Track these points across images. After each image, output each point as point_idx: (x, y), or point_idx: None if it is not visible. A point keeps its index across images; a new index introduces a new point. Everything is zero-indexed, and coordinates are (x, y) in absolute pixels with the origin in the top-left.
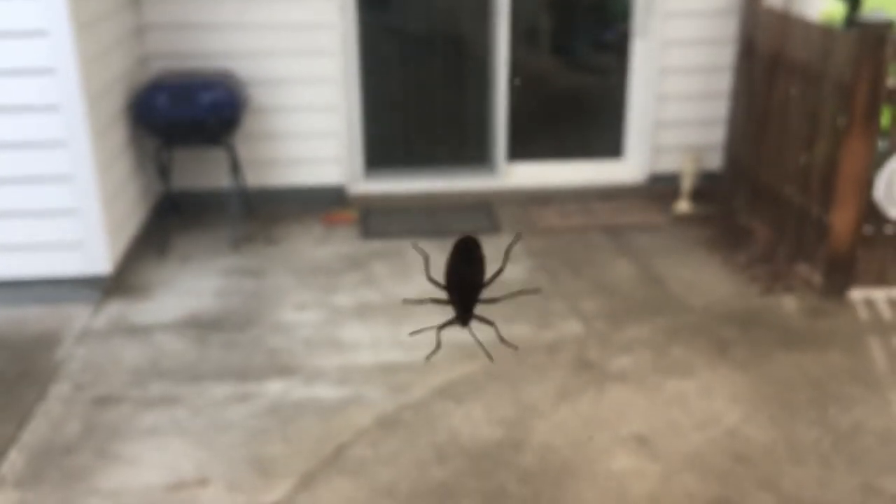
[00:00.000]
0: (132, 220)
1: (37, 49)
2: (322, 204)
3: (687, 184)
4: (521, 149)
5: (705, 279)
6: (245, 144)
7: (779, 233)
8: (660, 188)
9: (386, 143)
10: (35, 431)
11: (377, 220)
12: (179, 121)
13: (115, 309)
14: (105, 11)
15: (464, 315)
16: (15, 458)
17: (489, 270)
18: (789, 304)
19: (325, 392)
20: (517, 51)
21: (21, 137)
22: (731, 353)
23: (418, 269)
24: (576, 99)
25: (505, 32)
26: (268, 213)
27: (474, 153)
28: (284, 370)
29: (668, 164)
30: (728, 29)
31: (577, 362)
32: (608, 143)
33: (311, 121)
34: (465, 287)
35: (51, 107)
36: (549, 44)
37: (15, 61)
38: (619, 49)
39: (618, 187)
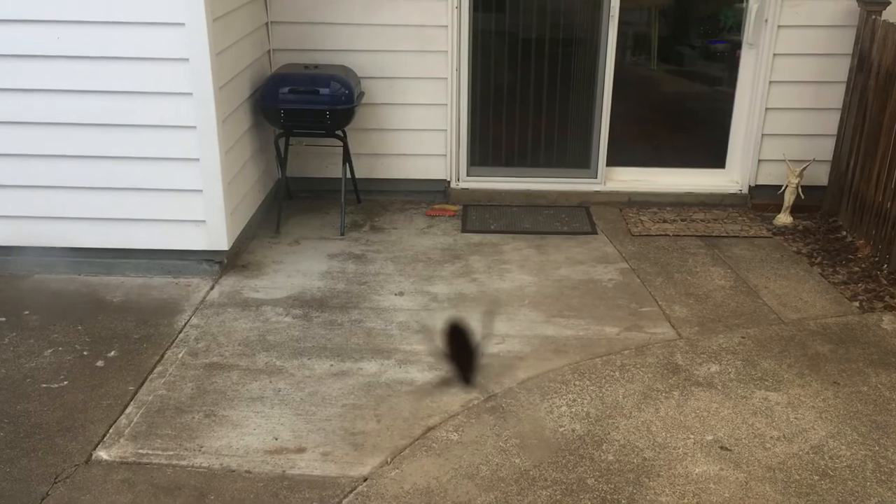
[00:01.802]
0: (251, 202)
1: (174, 40)
2: (426, 196)
3: (789, 196)
4: (622, 153)
5: (802, 293)
6: (357, 136)
7: (883, 251)
8: (761, 199)
9: (490, 142)
10: (152, 391)
11: (477, 214)
12: (298, 111)
13: (230, 283)
14: (236, 7)
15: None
16: (132, 412)
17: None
18: (889, 323)
19: (418, 375)
20: (624, 56)
21: (157, 121)
22: (824, 369)
23: (516, 265)
24: (680, 107)
25: (613, 38)
26: (374, 202)
27: (575, 155)
28: (380, 351)
29: (770, 176)
30: (842, 43)
31: (664, 366)
32: (710, 152)
33: (420, 117)
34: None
35: (184, 94)
36: (657, 51)
37: (155, 50)
38: (727, 59)
39: (718, 196)
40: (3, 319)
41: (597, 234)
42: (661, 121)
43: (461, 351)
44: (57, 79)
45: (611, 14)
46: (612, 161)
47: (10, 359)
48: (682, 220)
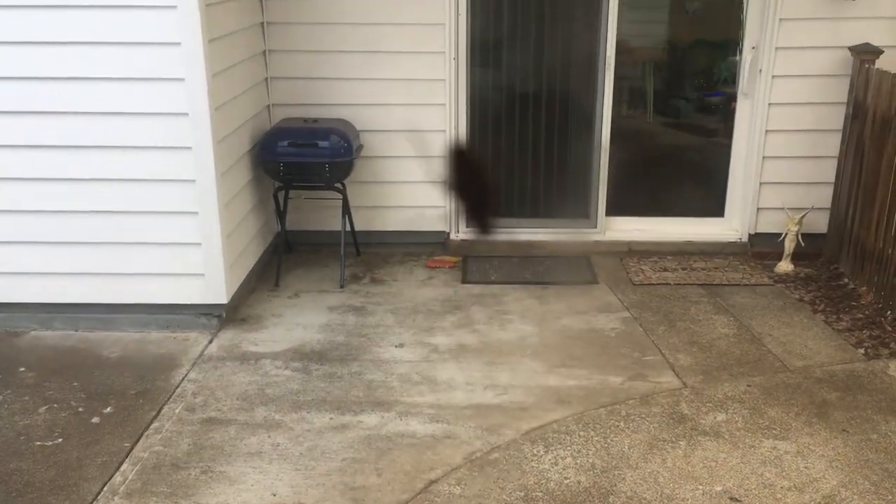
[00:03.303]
0: (250, 255)
1: (175, 94)
2: (426, 248)
3: (790, 244)
4: (622, 203)
5: (806, 340)
6: (356, 189)
7: (886, 297)
8: (761, 247)
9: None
10: (148, 447)
11: (478, 266)
12: (298, 164)
13: (229, 337)
14: (235, 63)
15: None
16: (127, 469)
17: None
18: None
19: (419, 427)
20: (621, 109)
21: (156, 174)
22: (832, 417)
23: (517, 315)
24: (678, 157)
25: (609, 90)
26: (374, 254)
27: (574, 205)
28: (381, 404)
29: (770, 224)
30: (837, 91)
31: (669, 415)
32: (709, 201)
33: (419, 169)
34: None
35: (184, 147)
36: (654, 104)
37: (155, 105)
38: (723, 111)
39: (718, 245)
40: None
41: (598, 283)
42: (659, 171)
43: (474, 187)
44: (55, 134)
45: (606, 65)
46: (612, 211)
47: (3, 416)
48: (683, 269)
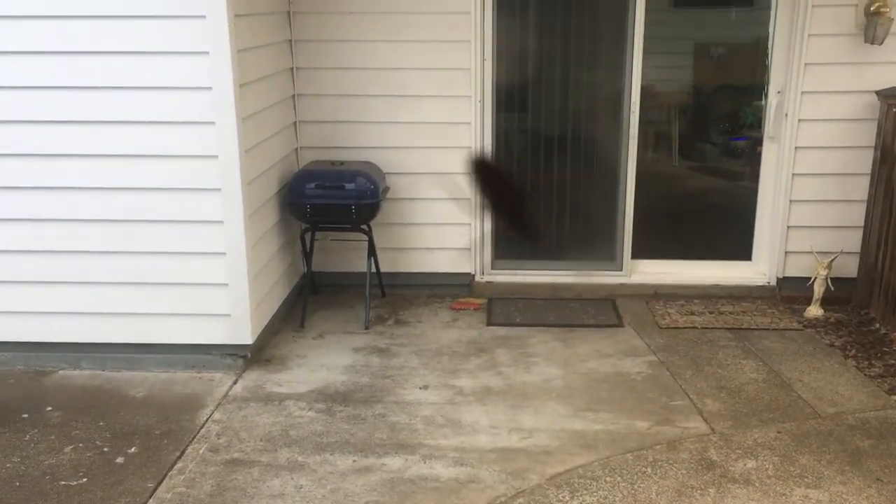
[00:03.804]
0: (276, 296)
1: (205, 138)
2: (451, 290)
3: (819, 288)
4: (647, 246)
5: (838, 386)
6: (382, 230)
7: None
8: (790, 291)
9: (514, 235)
10: (171, 488)
11: (503, 308)
12: (324, 206)
13: (253, 378)
14: (265, 107)
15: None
16: None
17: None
18: None
19: (443, 471)
20: (646, 153)
21: (185, 216)
22: (866, 465)
23: (542, 358)
24: (704, 201)
25: (634, 134)
26: (399, 296)
27: (600, 248)
28: (404, 447)
29: (798, 268)
30: (864, 135)
31: (698, 462)
32: (736, 244)
33: (444, 211)
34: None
35: (213, 189)
36: (679, 148)
37: (186, 148)
38: (748, 154)
39: (745, 289)
40: (26, 416)
41: (623, 326)
42: (685, 215)
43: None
44: (87, 176)
45: (631, 110)
46: (637, 254)
47: (30, 455)
48: (710, 313)
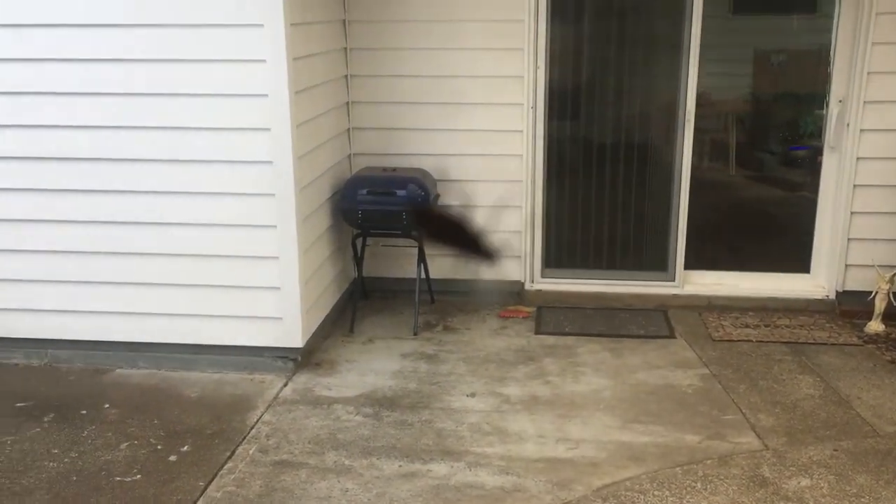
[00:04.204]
0: (326, 300)
1: (260, 144)
2: (500, 297)
3: (880, 303)
4: (701, 257)
5: None
6: None
7: None
8: (850, 306)
9: (565, 244)
10: (221, 487)
11: (552, 316)
12: (376, 212)
13: (303, 381)
14: (319, 114)
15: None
16: None
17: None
18: None
19: (488, 479)
20: (701, 161)
21: (239, 220)
22: None
23: (591, 368)
24: (761, 211)
25: (689, 142)
26: (448, 303)
27: (652, 258)
28: (450, 453)
29: (859, 282)
30: None
31: (750, 478)
32: (794, 256)
33: (495, 219)
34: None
35: (267, 194)
36: (735, 156)
37: (241, 154)
38: (808, 164)
39: (803, 302)
40: (84, 412)
41: (675, 338)
42: (741, 225)
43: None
44: (150, 180)
45: (686, 118)
46: (691, 264)
47: (87, 451)
48: (766, 326)
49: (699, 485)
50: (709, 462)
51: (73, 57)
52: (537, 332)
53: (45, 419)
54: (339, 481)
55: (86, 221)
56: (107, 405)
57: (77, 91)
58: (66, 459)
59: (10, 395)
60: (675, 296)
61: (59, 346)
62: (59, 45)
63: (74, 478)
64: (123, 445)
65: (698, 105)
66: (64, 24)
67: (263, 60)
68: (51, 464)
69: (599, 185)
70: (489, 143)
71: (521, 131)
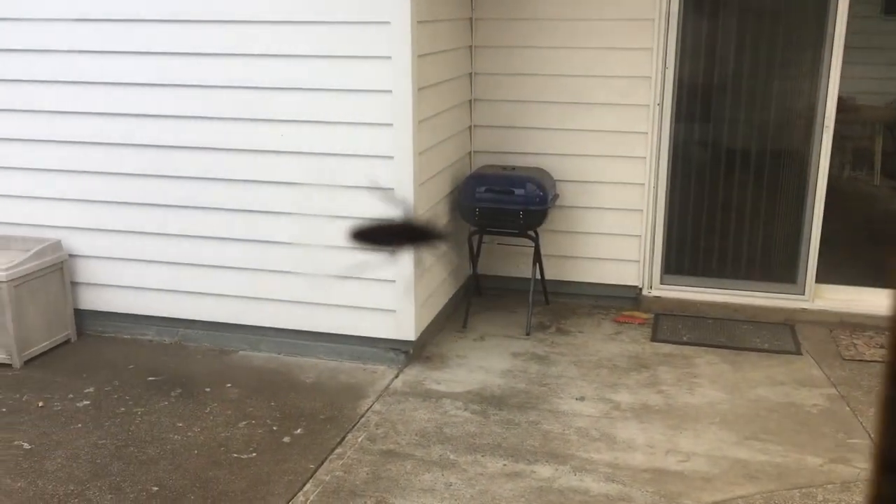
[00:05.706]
0: (441, 295)
1: (382, 139)
2: (615, 302)
3: None
4: (835, 270)
5: None
6: (549, 237)
7: None
8: None
9: (687, 250)
10: (330, 471)
11: (669, 324)
12: (493, 210)
13: (413, 373)
14: (441, 111)
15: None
16: (309, 490)
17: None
18: None
19: (593, 485)
20: (842, 171)
21: (361, 212)
22: None
23: (708, 379)
24: None
25: (827, 150)
26: (562, 304)
27: (779, 269)
28: (556, 456)
29: None
30: None
31: None
32: None
33: (614, 221)
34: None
35: (387, 188)
36: (882, 166)
37: (362, 148)
38: None
39: None
40: (208, 390)
41: (801, 354)
42: (882, 238)
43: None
44: (279, 172)
45: (825, 125)
46: (823, 278)
47: (209, 427)
48: None
49: None
50: (830, 486)
51: (213, 52)
52: (653, 340)
53: (173, 394)
54: (443, 475)
55: (221, 209)
56: (229, 385)
57: (217, 84)
58: (189, 433)
59: (143, 370)
60: (803, 310)
61: (190, 325)
62: (204, 42)
63: (196, 451)
64: (242, 424)
65: (840, 110)
66: (211, 20)
67: (389, 57)
68: (175, 436)
69: (727, 190)
70: (611, 144)
71: (646, 133)
